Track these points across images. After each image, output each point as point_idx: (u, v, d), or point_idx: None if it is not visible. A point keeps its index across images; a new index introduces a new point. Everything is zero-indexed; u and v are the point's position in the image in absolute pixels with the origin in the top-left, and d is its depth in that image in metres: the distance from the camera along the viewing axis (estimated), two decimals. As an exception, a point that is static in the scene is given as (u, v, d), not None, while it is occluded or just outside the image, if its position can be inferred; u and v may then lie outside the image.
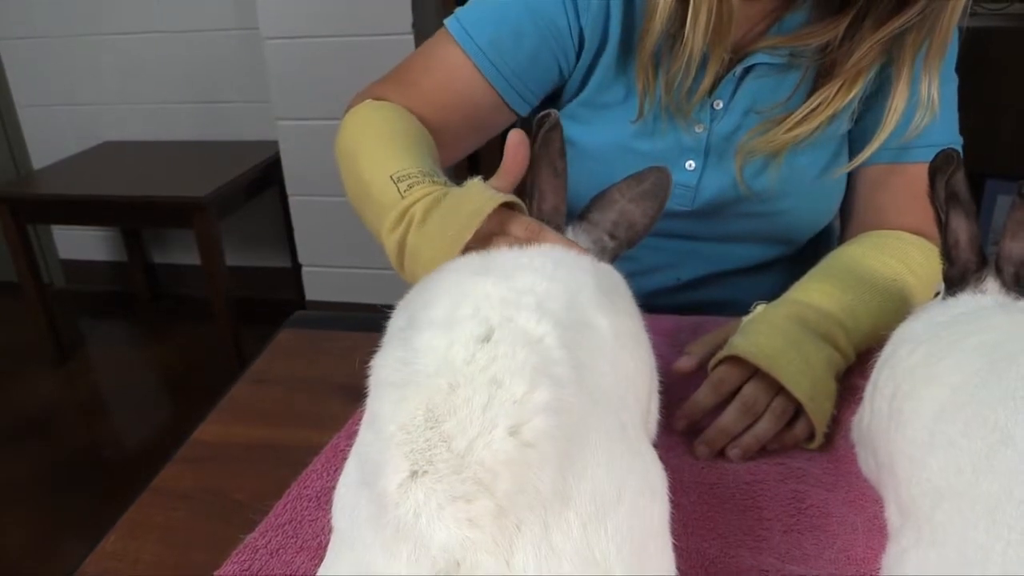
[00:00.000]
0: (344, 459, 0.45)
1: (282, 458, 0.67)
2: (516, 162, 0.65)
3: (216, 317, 2.37)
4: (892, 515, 0.51)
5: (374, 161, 0.74)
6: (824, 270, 0.79)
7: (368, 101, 0.88)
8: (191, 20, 2.60)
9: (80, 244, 3.07)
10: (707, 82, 0.85)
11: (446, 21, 0.90)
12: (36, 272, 2.46)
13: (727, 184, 0.90)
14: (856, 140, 0.91)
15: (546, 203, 0.64)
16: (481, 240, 0.61)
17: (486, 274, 0.50)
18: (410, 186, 0.68)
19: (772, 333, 0.68)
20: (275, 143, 2.40)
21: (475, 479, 0.38)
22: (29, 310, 2.50)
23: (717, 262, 0.98)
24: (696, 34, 0.80)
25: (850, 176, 0.93)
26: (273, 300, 2.80)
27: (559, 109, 0.95)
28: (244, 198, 2.47)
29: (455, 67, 0.89)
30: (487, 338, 0.43)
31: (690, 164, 0.91)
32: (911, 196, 0.86)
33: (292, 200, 2.44)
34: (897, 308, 0.71)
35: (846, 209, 0.96)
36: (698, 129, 0.89)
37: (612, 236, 0.65)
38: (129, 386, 2.53)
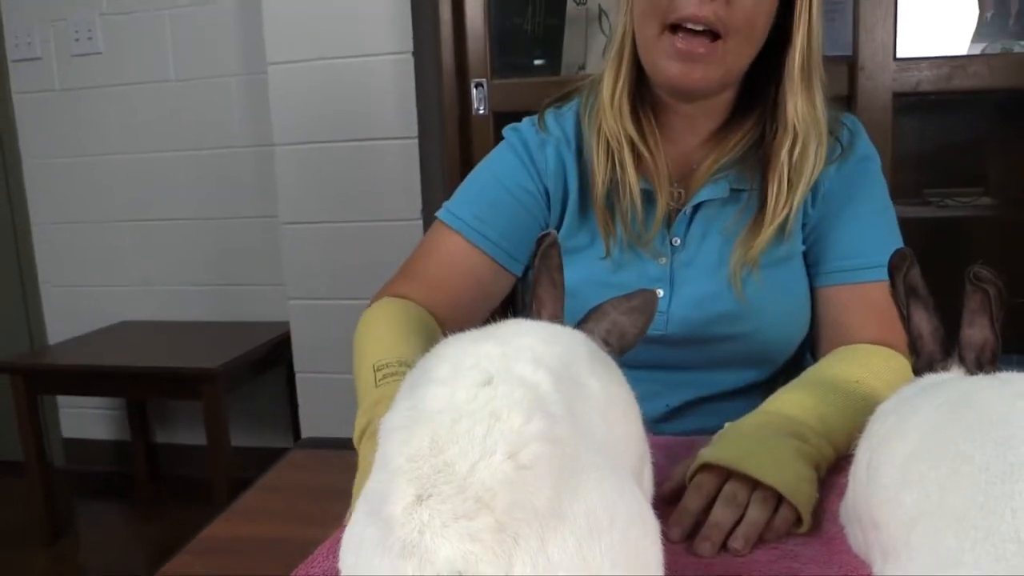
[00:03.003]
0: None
1: (287, 550, 0.68)
2: None
3: (216, 495, 2.34)
4: (877, 561, 0.53)
5: (363, 353, 0.85)
6: (794, 383, 0.86)
7: (384, 299, 0.99)
8: (215, 208, 2.79)
9: (84, 423, 3.08)
10: (659, 214, 0.97)
11: (438, 213, 1.05)
12: (42, 452, 2.46)
13: (693, 308, 0.99)
14: (811, 264, 1.01)
15: (545, 311, 0.70)
16: None
17: (486, 340, 0.56)
18: (385, 376, 0.78)
19: (737, 438, 0.74)
20: (285, 323, 2.48)
21: (476, 498, 0.41)
22: (30, 489, 2.47)
23: (701, 387, 1.04)
24: (627, 177, 0.96)
25: (813, 299, 1.02)
26: (273, 482, 2.76)
27: None
28: (251, 374, 2.53)
29: (452, 247, 1.02)
30: (487, 383, 0.48)
31: (659, 292, 0.98)
32: (868, 310, 0.95)
33: (299, 377, 2.49)
34: (861, 407, 0.76)
35: (814, 330, 1.04)
36: (661, 261, 1.00)
37: (606, 343, 0.71)
38: (120, 566, 2.45)
